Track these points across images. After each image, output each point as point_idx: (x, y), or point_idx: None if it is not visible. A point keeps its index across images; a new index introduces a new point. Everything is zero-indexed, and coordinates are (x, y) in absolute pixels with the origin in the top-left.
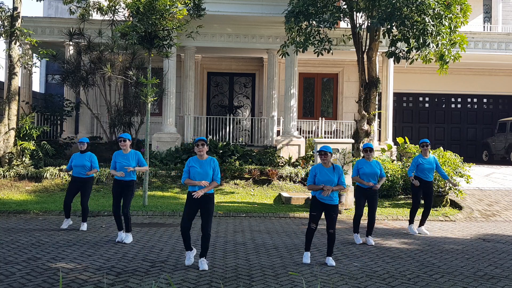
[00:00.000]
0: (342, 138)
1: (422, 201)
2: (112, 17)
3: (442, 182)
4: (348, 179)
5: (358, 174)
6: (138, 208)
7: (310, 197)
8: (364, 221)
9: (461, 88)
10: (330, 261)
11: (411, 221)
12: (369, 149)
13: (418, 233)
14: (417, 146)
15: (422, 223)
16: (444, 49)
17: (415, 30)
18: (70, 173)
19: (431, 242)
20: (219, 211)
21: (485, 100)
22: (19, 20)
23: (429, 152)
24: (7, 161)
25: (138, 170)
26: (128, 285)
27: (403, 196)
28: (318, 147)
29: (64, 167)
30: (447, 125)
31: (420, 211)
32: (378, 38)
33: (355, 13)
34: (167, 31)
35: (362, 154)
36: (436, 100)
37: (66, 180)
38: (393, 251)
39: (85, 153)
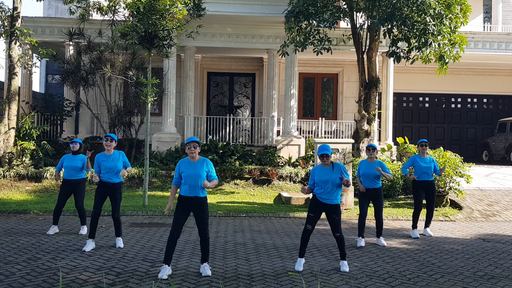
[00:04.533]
0: (342, 138)
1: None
2: (112, 17)
3: (442, 182)
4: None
5: (359, 175)
6: (138, 208)
7: (311, 196)
8: (370, 222)
9: (461, 88)
10: (344, 265)
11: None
12: (371, 148)
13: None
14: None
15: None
16: (446, 49)
17: (415, 30)
18: (61, 175)
19: (431, 242)
20: (219, 211)
21: (485, 100)
22: (19, 20)
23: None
24: (7, 161)
25: (128, 171)
26: (128, 285)
27: (403, 196)
28: (318, 147)
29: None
30: (447, 125)
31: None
32: (378, 38)
33: (355, 13)
34: (167, 31)
35: (362, 155)
36: (436, 100)
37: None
38: (393, 251)
39: (77, 155)
